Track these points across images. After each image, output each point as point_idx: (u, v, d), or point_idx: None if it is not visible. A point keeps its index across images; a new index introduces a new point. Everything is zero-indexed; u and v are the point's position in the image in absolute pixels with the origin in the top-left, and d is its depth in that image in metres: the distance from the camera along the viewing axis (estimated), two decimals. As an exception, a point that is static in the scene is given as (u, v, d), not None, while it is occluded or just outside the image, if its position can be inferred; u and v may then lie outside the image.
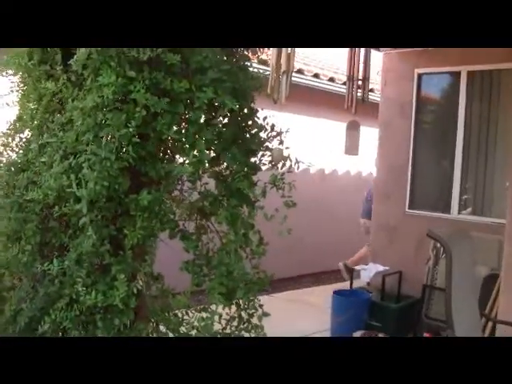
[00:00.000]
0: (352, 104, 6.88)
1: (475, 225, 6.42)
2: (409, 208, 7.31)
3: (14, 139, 3.60)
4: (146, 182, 2.88)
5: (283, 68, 4.93)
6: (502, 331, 4.27)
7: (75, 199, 2.72)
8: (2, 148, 3.66)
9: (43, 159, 2.99)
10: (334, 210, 10.69)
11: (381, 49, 7.34)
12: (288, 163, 3.21)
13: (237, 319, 3.23)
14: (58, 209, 2.87)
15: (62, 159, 2.79)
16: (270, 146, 3.27)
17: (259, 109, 3.31)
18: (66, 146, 2.80)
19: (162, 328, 3.27)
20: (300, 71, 9.10)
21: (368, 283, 7.20)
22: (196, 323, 2.99)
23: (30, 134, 3.47)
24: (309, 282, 10.07)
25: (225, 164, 3.21)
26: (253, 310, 3.16)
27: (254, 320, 3.16)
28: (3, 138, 3.64)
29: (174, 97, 2.83)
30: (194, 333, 3.01)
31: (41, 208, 3.10)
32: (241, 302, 3.19)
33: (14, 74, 3.47)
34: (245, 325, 3.19)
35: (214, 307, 3.03)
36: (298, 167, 3.22)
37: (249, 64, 3.31)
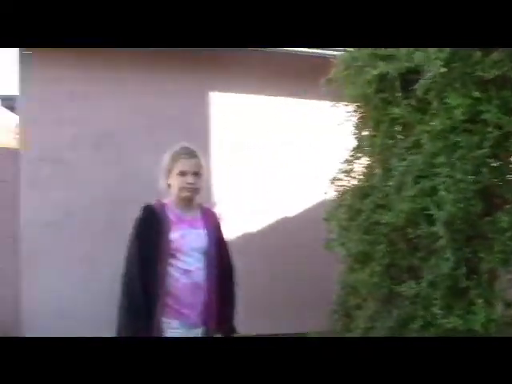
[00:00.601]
0: None
1: None
2: None
3: (352, 166, 3.81)
4: (498, 204, 2.74)
5: None
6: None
7: (428, 221, 2.73)
8: (344, 175, 3.91)
9: (390, 183, 3.07)
10: None
11: None
12: None
13: None
14: (412, 231, 2.91)
15: (413, 182, 2.83)
16: None
17: None
18: (416, 169, 2.83)
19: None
20: None
21: None
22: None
23: (369, 159, 3.63)
24: None
25: None
26: None
27: None
28: (345, 165, 3.89)
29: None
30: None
31: (389, 230, 3.18)
32: None
33: (352, 104, 3.69)
34: None
35: None
36: None
37: None
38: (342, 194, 3.67)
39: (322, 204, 4.99)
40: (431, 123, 2.77)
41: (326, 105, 3.94)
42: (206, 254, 2.80)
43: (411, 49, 2.87)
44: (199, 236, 2.80)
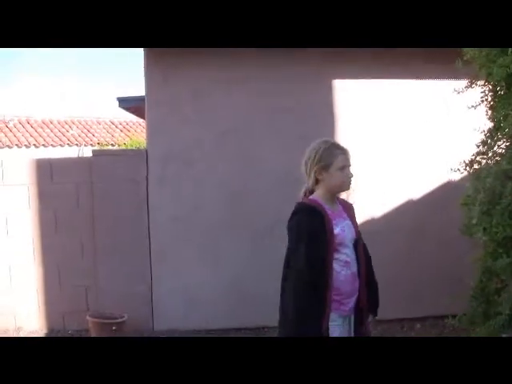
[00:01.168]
0: None
1: None
2: None
3: (491, 148, 3.67)
4: None
5: None
6: None
7: None
8: (480, 157, 3.78)
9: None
10: None
11: None
12: None
13: None
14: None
15: None
16: None
17: None
18: None
19: None
20: None
21: None
22: None
23: (510, 141, 3.49)
24: None
25: None
26: None
27: None
28: (480, 148, 3.76)
29: None
30: None
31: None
32: None
33: (489, 84, 3.56)
34: None
35: None
36: None
37: None
38: (481, 177, 3.54)
39: (453, 188, 4.89)
40: None
41: (456, 86, 3.84)
42: (355, 242, 2.87)
43: None
44: (351, 227, 2.87)
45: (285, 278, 2.82)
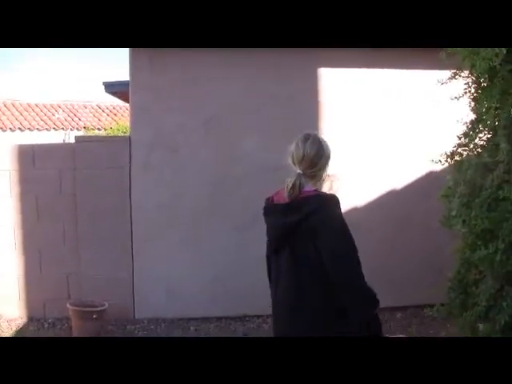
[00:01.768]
0: None
1: None
2: None
3: (473, 140, 3.67)
4: None
5: None
6: None
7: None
8: (461, 149, 3.78)
9: (518, 158, 2.95)
10: None
11: None
12: None
13: None
14: (543, 208, 2.79)
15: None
16: None
17: None
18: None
19: None
20: None
21: None
22: None
23: (491, 134, 3.49)
24: None
25: None
26: None
27: None
28: (462, 139, 3.76)
29: None
30: None
31: (515, 207, 3.07)
32: None
33: (472, 76, 3.55)
34: None
35: None
36: None
37: None
38: (462, 169, 3.54)
39: (435, 179, 4.90)
40: None
41: (439, 76, 3.83)
42: None
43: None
44: None
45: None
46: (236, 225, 5.75)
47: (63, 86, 36.77)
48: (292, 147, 2.68)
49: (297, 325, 2.54)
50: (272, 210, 2.67)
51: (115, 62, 48.37)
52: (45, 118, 16.49)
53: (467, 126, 3.69)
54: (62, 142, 13.83)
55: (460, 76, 3.72)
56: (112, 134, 13.56)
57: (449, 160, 3.78)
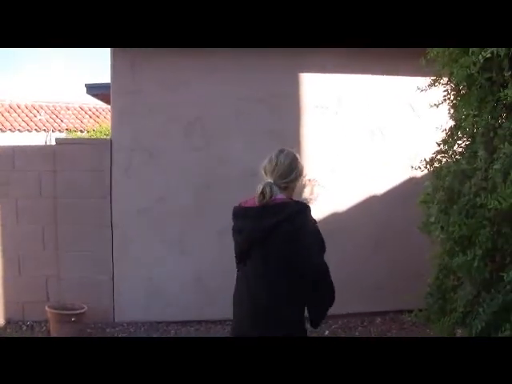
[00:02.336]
0: None
1: None
2: None
3: (452, 147, 3.70)
4: None
5: None
6: None
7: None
8: (440, 155, 3.81)
9: (495, 166, 2.97)
10: None
11: None
12: None
13: None
14: (517, 216, 2.82)
15: (522, 166, 2.73)
16: None
17: None
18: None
19: None
20: None
21: None
22: None
23: (469, 141, 3.53)
24: None
25: None
26: None
27: None
28: (441, 146, 3.79)
29: None
30: None
31: (493, 214, 3.10)
32: None
33: (451, 83, 3.59)
34: None
35: None
36: None
37: None
38: (441, 175, 3.57)
39: (415, 185, 4.93)
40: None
41: (421, 83, 3.87)
42: None
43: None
44: None
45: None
46: (218, 228, 5.73)
47: (46, 87, 36.49)
48: (265, 161, 2.77)
49: (260, 325, 2.58)
50: (243, 213, 2.69)
51: (98, 63, 48.08)
52: (26, 119, 16.34)
53: (446, 133, 3.72)
54: (43, 143, 13.71)
55: (439, 83, 3.76)
56: (94, 136, 13.49)
57: (428, 166, 3.81)
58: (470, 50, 3.08)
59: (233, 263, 4.65)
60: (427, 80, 3.81)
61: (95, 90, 8.57)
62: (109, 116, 16.74)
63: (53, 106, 17.67)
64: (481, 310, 3.21)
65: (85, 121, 17.45)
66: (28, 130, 15.77)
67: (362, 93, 5.90)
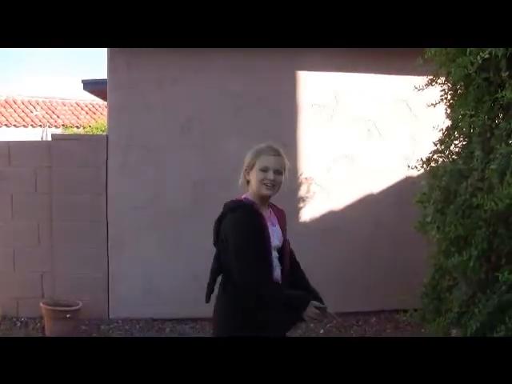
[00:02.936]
0: None
1: None
2: None
3: (448, 147, 3.70)
4: None
5: None
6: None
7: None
8: (437, 155, 3.81)
9: (492, 166, 2.97)
10: None
11: None
12: None
13: None
14: (514, 216, 2.82)
15: (519, 167, 2.73)
16: None
17: None
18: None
19: None
20: None
21: None
22: None
23: (466, 141, 3.52)
24: None
25: None
26: None
27: None
28: (438, 146, 3.79)
29: None
30: None
31: (489, 215, 3.10)
32: None
33: (449, 82, 3.59)
34: None
35: None
36: None
37: None
38: (437, 175, 3.57)
39: (411, 184, 4.93)
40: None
41: (418, 82, 3.86)
42: (280, 250, 2.82)
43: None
44: (278, 233, 2.82)
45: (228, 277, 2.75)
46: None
47: (42, 82, 36.39)
48: None
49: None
50: None
51: (96, 60, 48.02)
52: (22, 114, 16.29)
53: (443, 133, 3.72)
54: (39, 139, 13.67)
55: (436, 83, 3.76)
56: (90, 132, 13.45)
57: (425, 166, 3.81)
58: (468, 49, 3.07)
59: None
60: (424, 79, 3.81)
61: (92, 86, 8.55)
62: (105, 112, 16.72)
63: (49, 102, 17.61)
64: (476, 310, 3.21)
65: (81, 117, 17.41)
66: (24, 125, 15.72)
67: (358, 92, 5.89)
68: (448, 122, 3.73)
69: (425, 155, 3.84)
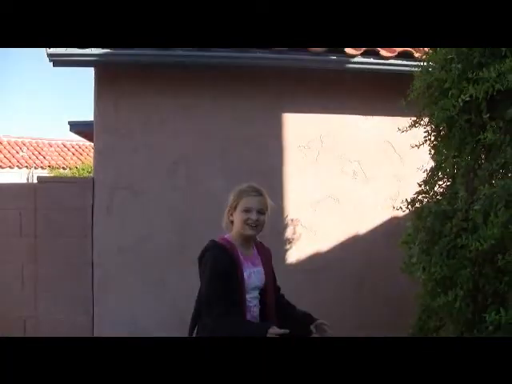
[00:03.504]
0: None
1: None
2: None
3: (432, 187, 3.75)
4: None
5: None
6: None
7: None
8: (422, 196, 3.85)
9: (476, 207, 3.01)
10: None
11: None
12: None
13: None
14: (501, 257, 2.84)
15: (505, 208, 2.76)
16: None
17: None
18: (507, 193, 2.76)
19: None
20: None
21: None
22: None
23: (450, 181, 3.57)
24: None
25: None
26: None
27: None
28: (422, 187, 3.83)
29: None
30: None
31: (474, 255, 3.12)
32: None
33: (432, 124, 3.65)
34: None
35: None
36: None
37: None
38: (422, 216, 3.60)
39: (395, 226, 4.96)
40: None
41: (402, 123, 3.93)
42: (262, 290, 2.89)
43: (503, 69, 2.83)
44: (260, 274, 2.90)
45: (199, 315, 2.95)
46: (200, 268, 5.68)
47: (28, 123, 36.46)
48: None
49: None
50: None
51: (82, 102, 48.34)
52: (8, 155, 16.27)
53: (427, 174, 3.77)
54: (26, 180, 13.62)
55: (420, 124, 3.83)
56: (77, 174, 13.44)
57: (409, 207, 3.84)
58: (450, 92, 3.14)
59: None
60: (408, 120, 3.88)
61: (78, 127, 8.59)
62: (92, 153, 16.78)
63: (35, 143, 17.64)
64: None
65: (68, 158, 17.43)
66: (10, 166, 15.69)
67: (343, 133, 5.96)
68: (432, 163, 3.78)
69: (410, 196, 3.89)
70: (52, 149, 17.64)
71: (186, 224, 5.71)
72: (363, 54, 5.45)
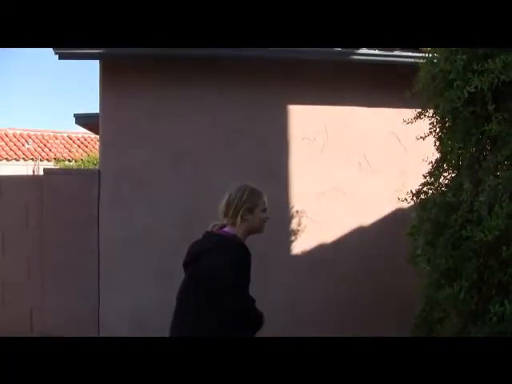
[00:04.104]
0: None
1: None
2: None
3: (437, 179, 3.74)
4: None
5: None
6: None
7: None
8: (427, 187, 3.85)
9: (480, 198, 3.01)
10: None
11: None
12: None
13: None
14: (505, 248, 2.84)
15: (509, 199, 2.76)
16: None
17: None
18: (509, 185, 2.77)
19: None
20: None
21: None
22: None
23: (455, 173, 3.57)
24: None
25: None
26: None
27: None
28: (427, 178, 3.83)
29: None
30: None
31: (479, 246, 3.12)
32: None
33: (437, 116, 3.64)
34: None
35: None
36: None
37: None
38: (427, 208, 3.60)
39: (400, 217, 4.95)
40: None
41: (407, 115, 3.93)
42: None
43: (508, 60, 2.82)
44: None
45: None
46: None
47: (34, 115, 36.53)
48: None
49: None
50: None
51: (87, 94, 48.39)
52: (14, 148, 16.31)
53: (432, 165, 3.76)
54: (31, 173, 13.67)
55: (425, 116, 3.82)
56: (83, 166, 13.48)
57: (414, 198, 3.84)
58: (455, 83, 3.14)
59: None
60: (413, 112, 3.87)
61: (84, 119, 8.59)
62: (97, 145, 16.80)
63: (41, 135, 17.67)
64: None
65: (73, 150, 17.46)
66: (16, 158, 15.73)
67: (348, 125, 5.96)
68: (437, 155, 3.78)
69: (415, 187, 3.88)
70: (58, 141, 17.68)
71: (190, 215, 5.72)
72: (368, 46, 5.44)
